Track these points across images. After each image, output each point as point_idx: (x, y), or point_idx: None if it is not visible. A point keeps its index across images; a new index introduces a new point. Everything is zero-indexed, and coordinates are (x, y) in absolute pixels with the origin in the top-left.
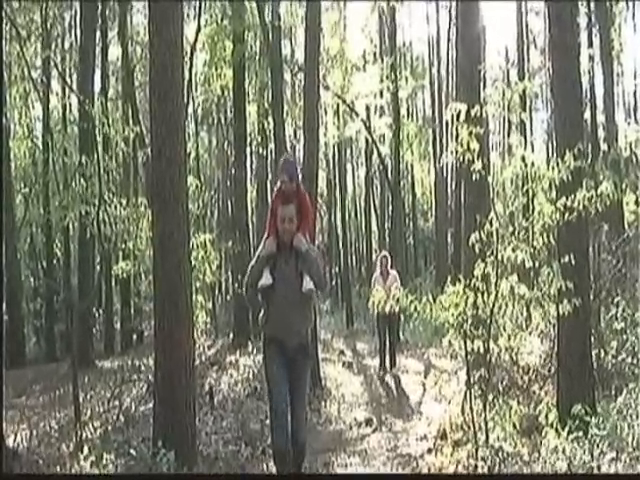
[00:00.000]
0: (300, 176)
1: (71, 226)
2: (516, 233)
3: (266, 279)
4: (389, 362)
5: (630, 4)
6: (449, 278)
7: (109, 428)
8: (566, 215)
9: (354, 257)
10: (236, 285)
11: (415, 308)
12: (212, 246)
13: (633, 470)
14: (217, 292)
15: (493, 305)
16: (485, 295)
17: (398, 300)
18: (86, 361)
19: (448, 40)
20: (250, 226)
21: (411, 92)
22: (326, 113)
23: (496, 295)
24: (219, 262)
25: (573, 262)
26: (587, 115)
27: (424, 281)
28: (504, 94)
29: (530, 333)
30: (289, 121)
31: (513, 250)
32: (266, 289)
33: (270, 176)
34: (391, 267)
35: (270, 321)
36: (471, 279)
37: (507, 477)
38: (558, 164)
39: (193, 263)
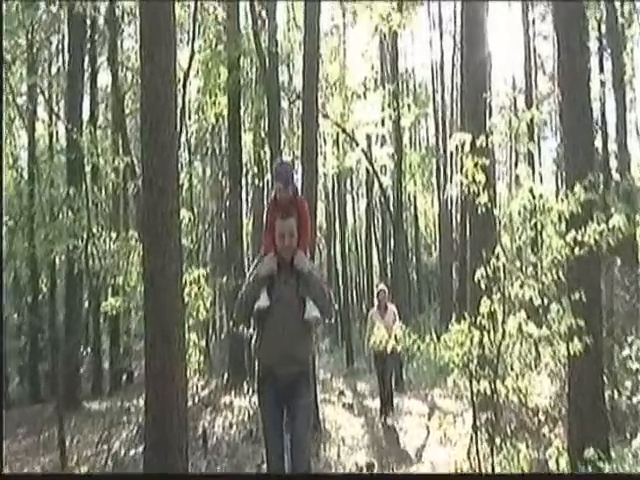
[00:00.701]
0: (298, 182)
1: (57, 260)
2: (524, 268)
3: (263, 301)
4: (387, 406)
5: None
6: (454, 315)
7: (97, 474)
8: (576, 249)
9: (354, 293)
10: (231, 323)
11: (418, 347)
12: (206, 282)
13: None
14: (211, 330)
15: (500, 344)
16: (492, 333)
17: (399, 339)
18: (72, 403)
19: (452, 66)
20: (245, 261)
21: (414, 120)
22: (325, 142)
23: (503, 333)
24: (213, 299)
25: (584, 298)
26: (598, 143)
27: (428, 318)
28: (511, 123)
29: (539, 373)
30: (286, 151)
31: (521, 286)
32: (262, 312)
33: (265, 209)
34: (390, 301)
35: (265, 347)
36: (477, 316)
37: (508, 477)
38: (568, 196)
39: (186, 299)
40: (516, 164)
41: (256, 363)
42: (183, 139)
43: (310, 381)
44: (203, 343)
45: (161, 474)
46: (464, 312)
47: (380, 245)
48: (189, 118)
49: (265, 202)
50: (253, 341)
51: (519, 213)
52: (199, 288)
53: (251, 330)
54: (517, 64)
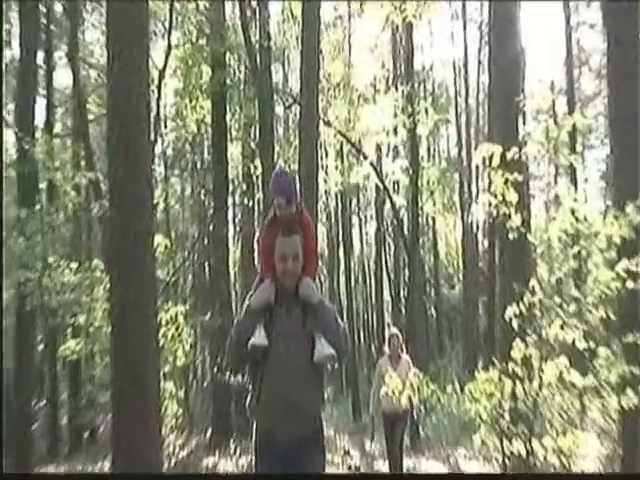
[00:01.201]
0: (299, 196)
1: (6, 295)
2: (565, 305)
3: (260, 338)
4: (397, 470)
5: None
6: (481, 361)
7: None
8: (629, 282)
9: (362, 333)
10: (215, 369)
11: (438, 399)
12: (185, 321)
13: None
14: (191, 378)
15: (537, 395)
16: (526, 383)
17: (416, 389)
18: (24, 467)
19: (479, 63)
20: (233, 295)
21: (432, 128)
22: (327, 155)
23: (540, 383)
24: (194, 340)
25: (639, 341)
26: None
27: (449, 363)
28: (549, 131)
29: (585, 431)
30: (281, 164)
31: (562, 327)
32: (258, 354)
33: (257, 234)
34: (403, 350)
35: (265, 402)
36: (508, 362)
37: (509, 477)
38: (618, 217)
39: (161, 342)
40: (555, 180)
41: (252, 423)
42: (158, 150)
43: (321, 443)
44: (182, 394)
45: (161, 474)
46: (493, 357)
47: (392, 276)
48: (165, 126)
49: (256, 225)
50: (249, 395)
51: (559, 239)
52: (177, 328)
53: (241, 378)
54: (557, 60)
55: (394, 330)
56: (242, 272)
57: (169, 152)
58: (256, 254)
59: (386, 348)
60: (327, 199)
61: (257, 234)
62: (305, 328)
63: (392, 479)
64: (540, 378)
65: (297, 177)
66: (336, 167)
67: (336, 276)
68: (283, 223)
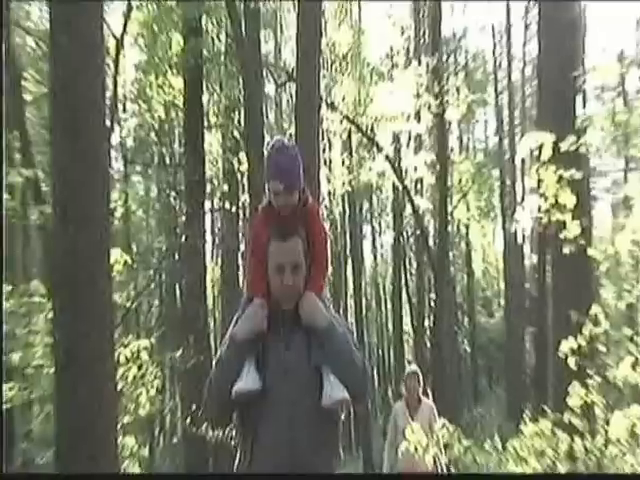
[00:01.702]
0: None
1: None
2: (637, 338)
3: (249, 381)
4: None
5: None
6: (528, 409)
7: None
8: None
9: (376, 372)
10: (188, 420)
11: (474, 459)
12: (150, 358)
13: None
14: (158, 431)
15: (601, 454)
16: (587, 439)
17: (444, 445)
18: None
19: (525, 28)
20: (211, 324)
21: (465, 112)
22: (331, 146)
23: (606, 439)
24: (161, 383)
25: None
26: None
27: (487, 412)
28: (616, 114)
29: None
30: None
31: (633, 366)
32: (247, 400)
33: (242, 247)
34: (425, 393)
35: (258, 464)
36: (564, 412)
37: (510, 477)
38: None
39: (120, 385)
40: (625, 177)
41: None
42: (115, 141)
43: None
44: (146, 451)
45: (161, 474)
46: (544, 404)
47: (414, 300)
48: (124, 110)
49: (240, 236)
50: (237, 456)
51: (629, 253)
52: (140, 368)
53: (222, 432)
54: (626, 23)
55: (413, 367)
56: (223, 295)
57: (130, 143)
58: (243, 263)
59: (403, 390)
60: (331, 203)
61: (245, 235)
62: (310, 363)
63: (393, 479)
64: (605, 432)
65: (299, 153)
66: (343, 162)
67: (343, 300)
68: (280, 221)
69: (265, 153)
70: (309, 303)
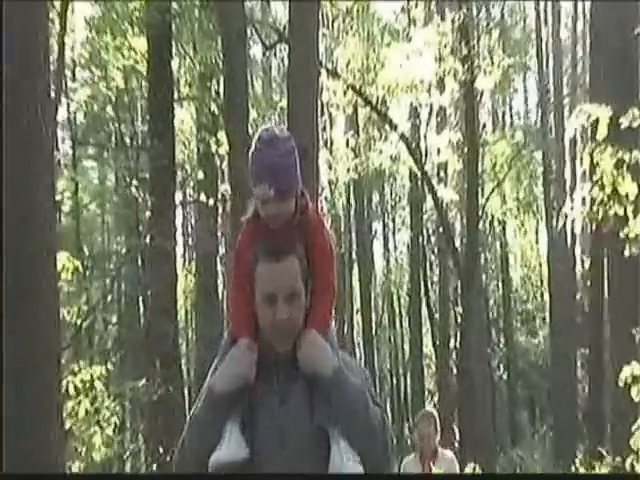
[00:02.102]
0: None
1: None
2: None
3: (232, 449)
4: None
5: None
6: (581, 451)
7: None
8: None
9: (389, 405)
10: (154, 466)
11: None
12: (106, 389)
13: None
14: None
15: (634, 476)
16: None
17: None
18: None
19: None
20: (183, 347)
21: (501, 80)
22: (332, 123)
23: None
24: (120, 420)
25: None
26: None
27: (529, 456)
28: None
29: None
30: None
31: None
32: (232, 474)
33: (222, 248)
34: (443, 443)
35: None
36: (626, 455)
37: (510, 477)
38: None
39: (68, 423)
40: None
41: None
42: (62, 117)
43: None
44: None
45: (161, 474)
46: (600, 446)
47: (437, 315)
48: (73, 78)
49: (219, 235)
50: None
51: None
52: (93, 401)
53: None
54: None
55: (428, 409)
56: (198, 310)
57: (80, 119)
58: (223, 270)
59: (417, 438)
60: (333, 194)
61: (235, 250)
62: (313, 422)
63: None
64: None
65: (295, 147)
66: (347, 143)
67: (348, 315)
68: (271, 235)
69: (252, 149)
70: (310, 343)
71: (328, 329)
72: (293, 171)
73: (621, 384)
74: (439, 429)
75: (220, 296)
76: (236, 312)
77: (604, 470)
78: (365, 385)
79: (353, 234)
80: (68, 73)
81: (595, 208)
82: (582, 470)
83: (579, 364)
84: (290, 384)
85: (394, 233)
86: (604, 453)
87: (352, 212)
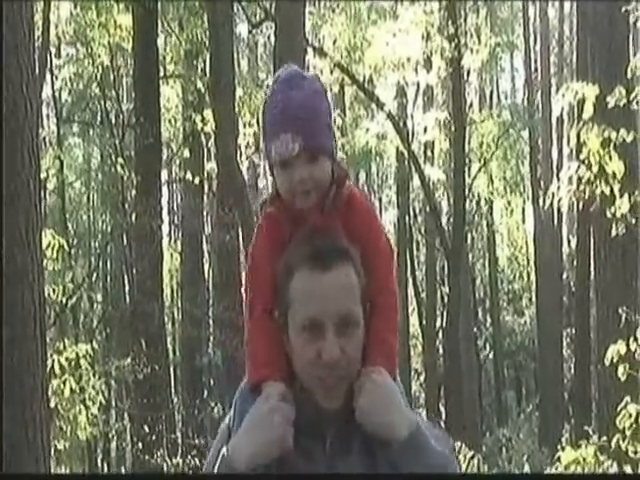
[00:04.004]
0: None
1: None
2: None
3: None
4: None
5: None
6: (567, 430)
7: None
8: None
9: None
10: (139, 445)
11: None
12: (92, 368)
13: None
14: (101, 459)
15: (634, 476)
16: None
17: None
18: None
19: None
20: (169, 325)
21: (488, 59)
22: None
23: None
24: (105, 399)
25: None
26: None
27: (515, 436)
28: None
29: None
30: (245, 116)
31: None
32: None
33: (208, 227)
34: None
35: None
36: (612, 435)
37: (510, 477)
38: None
39: (53, 402)
40: None
41: None
42: (47, 94)
43: None
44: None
45: (162, 474)
46: (586, 425)
47: (423, 295)
48: (58, 55)
49: (205, 214)
50: None
51: None
52: (78, 380)
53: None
54: None
55: None
56: (184, 288)
57: (65, 97)
58: (209, 249)
59: None
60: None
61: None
62: None
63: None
64: None
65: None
66: (334, 121)
67: None
68: (303, 224)
69: (267, 93)
70: (376, 391)
71: (396, 367)
72: (325, 120)
73: (607, 363)
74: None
75: (206, 275)
76: (258, 348)
77: (589, 449)
78: (446, 448)
79: None
80: (53, 50)
81: (582, 187)
82: (567, 449)
83: (565, 344)
84: (341, 447)
85: (381, 212)
86: (590, 432)
87: None
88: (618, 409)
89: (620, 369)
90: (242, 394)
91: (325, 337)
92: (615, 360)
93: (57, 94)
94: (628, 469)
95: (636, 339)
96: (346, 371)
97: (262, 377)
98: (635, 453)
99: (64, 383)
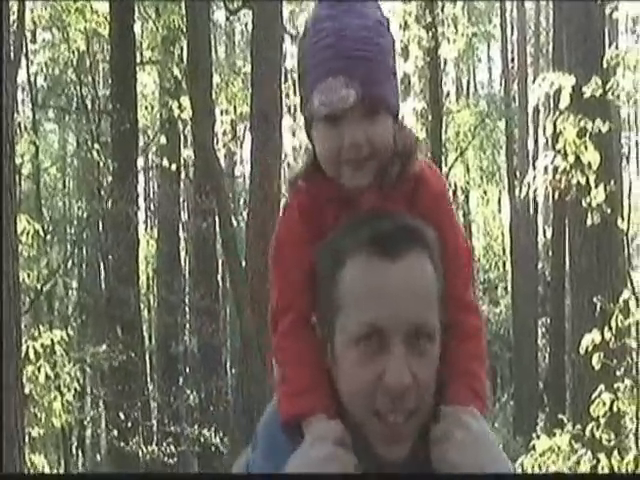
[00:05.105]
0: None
1: None
2: None
3: None
4: None
5: None
6: (541, 420)
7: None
8: None
9: None
10: (115, 432)
11: None
12: (66, 354)
13: None
14: (75, 447)
15: (635, 473)
16: (615, 456)
17: None
18: None
19: None
20: (145, 312)
21: (465, 49)
22: (296, 90)
23: (638, 456)
24: (80, 386)
25: None
26: None
27: (490, 422)
28: None
29: None
30: (222, 104)
31: None
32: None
33: (185, 214)
34: None
35: None
36: (586, 423)
37: (517, 477)
38: None
39: (27, 388)
40: None
41: None
42: (22, 79)
43: None
44: (61, 472)
45: (161, 474)
46: (561, 414)
47: None
48: (34, 40)
49: (182, 200)
50: None
51: None
52: (53, 366)
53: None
54: None
55: None
56: (160, 275)
57: (41, 82)
58: (186, 237)
59: None
60: (296, 161)
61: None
62: None
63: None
64: (638, 448)
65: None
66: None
67: None
68: (354, 200)
69: (306, 22)
70: (473, 447)
71: (487, 411)
72: (389, 62)
73: (582, 352)
74: None
75: (182, 262)
76: (293, 370)
77: (564, 437)
78: None
79: None
80: (28, 35)
81: (557, 177)
82: (542, 437)
83: (540, 333)
84: None
85: None
86: (564, 421)
87: None
88: (592, 398)
89: (594, 358)
90: (266, 427)
91: (390, 353)
92: (590, 349)
93: (32, 79)
94: (602, 457)
95: (610, 328)
96: (417, 405)
97: (303, 410)
98: (609, 441)
99: (39, 369)
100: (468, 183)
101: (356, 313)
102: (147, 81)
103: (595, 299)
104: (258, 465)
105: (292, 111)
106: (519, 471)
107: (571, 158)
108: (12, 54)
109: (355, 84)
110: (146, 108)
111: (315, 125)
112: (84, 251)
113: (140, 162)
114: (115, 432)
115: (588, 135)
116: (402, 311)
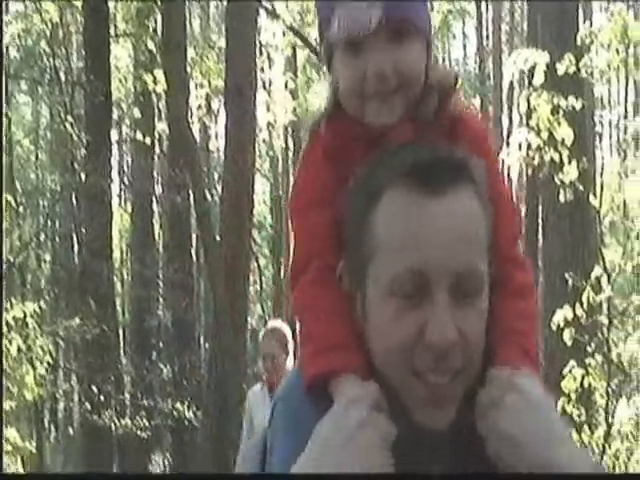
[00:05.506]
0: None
1: None
2: None
3: None
4: None
5: None
6: None
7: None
8: None
9: None
10: (88, 405)
11: None
12: (39, 327)
13: None
14: (48, 420)
15: (603, 449)
16: (585, 431)
17: None
18: None
19: None
20: (118, 286)
21: (440, 26)
22: (271, 65)
23: (608, 431)
24: (53, 358)
25: None
26: None
27: None
28: (627, 29)
29: None
30: (197, 77)
31: None
32: None
33: (159, 188)
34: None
35: None
36: (557, 398)
37: (510, 477)
38: None
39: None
40: (636, 110)
41: None
42: None
43: None
44: (32, 445)
45: (162, 474)
46: None
47: None
48: (6, 11)
49: (156, 174)
50: None
51: None
52: (25, 339)
53: None
54: None
55: (272, 324)
56: (133, 249)
57: (13, 54)
58: (160, 211)
59: (260, 365)
60: (271, 137)
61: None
62: None
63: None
64: (608, 424)
65: None
66: (286, 85)
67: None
68: (385, 135)
69: None
70: (529, 414)
71: (539, 372)
72: None
73: (553, 328)
74: (289, 348)
75: (156, 236)
76: (321, 323)
77: None
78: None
79: (291, 177)
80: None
81: (531, 153)
82: None
83: None
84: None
85: None
86: None
87: (289, 155)
88: (564, 373)
89: (566, 334)
90: (286, 401)
91: (433, 304)
92: (561, 325)
93: (5, 50)
94: (573, 432)
95: (582, 304)
96: (463, 365)
97: (334, 366)
98: (579, 416)
99: (10, 342)
100: None
101: (393, 258)
102: (121, 54)
103: (567, 275)
104: (280, 442)
105: (267, 85)
106: None
107: (544, 135)
108: None
109: (378, 4)
110: (120, 81)
111: (335, 54)
112: (57, 224)
113: (114, 135)
114: (88, 405)
115: (562, 112)
116: (448, 256)
